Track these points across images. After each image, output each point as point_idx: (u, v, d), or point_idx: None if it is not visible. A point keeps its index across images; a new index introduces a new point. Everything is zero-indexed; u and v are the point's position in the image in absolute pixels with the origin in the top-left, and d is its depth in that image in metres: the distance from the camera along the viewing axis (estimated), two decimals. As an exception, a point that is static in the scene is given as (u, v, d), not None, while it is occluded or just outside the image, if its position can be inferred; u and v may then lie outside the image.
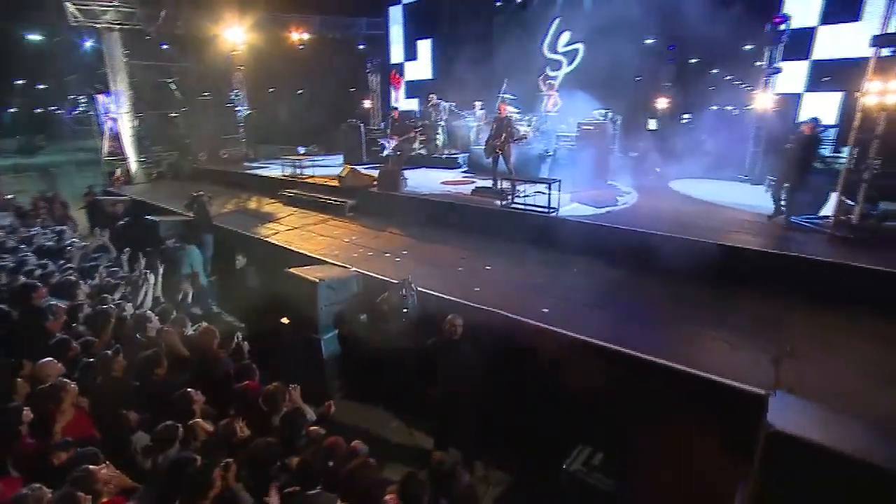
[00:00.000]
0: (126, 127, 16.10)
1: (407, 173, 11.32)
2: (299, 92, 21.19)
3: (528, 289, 5.54)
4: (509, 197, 7.84)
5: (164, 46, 16.27)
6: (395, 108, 13.53)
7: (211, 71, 15.91)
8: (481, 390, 4.30)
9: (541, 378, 4.40)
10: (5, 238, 7.88)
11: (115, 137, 16.45)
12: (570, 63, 15.09)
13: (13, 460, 3.29)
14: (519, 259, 6.57)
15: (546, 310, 4.89)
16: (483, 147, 9.40)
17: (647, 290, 5.48)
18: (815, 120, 6.50)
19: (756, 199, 7.67)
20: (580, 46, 14.81)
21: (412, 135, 11.04)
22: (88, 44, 16.14)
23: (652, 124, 14.37)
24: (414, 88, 19.57)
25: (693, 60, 14.63)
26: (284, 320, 5.79)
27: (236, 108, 15.20)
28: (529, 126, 11.29)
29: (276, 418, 3.48)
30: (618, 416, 3.89)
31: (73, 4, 14.03)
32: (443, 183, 10.22)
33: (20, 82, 32.60)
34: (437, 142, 13.09)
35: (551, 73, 12.69)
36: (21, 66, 26.51)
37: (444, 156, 12.94)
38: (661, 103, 14.14)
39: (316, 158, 14.44)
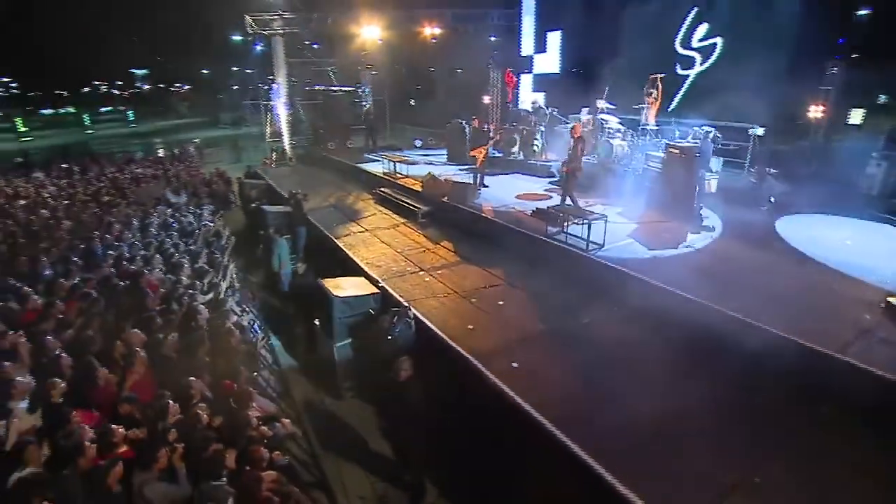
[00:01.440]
0: (283, 114, 19.17)
1: (494, 179, 11.64)
2: (418, 88, 22.35)
3: (521, 335, 5.57)
4: (563, 225, 7.64)
5: (315, 46, 18.69)
6: (475, 118, 13.61)
7: (346, 67, 17.88)
8: (432, 429, 4.65)
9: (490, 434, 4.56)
10: (168, 217, 10.45)
11: (276, 122, 19.74)
12: (704, 61, 13.40)
13: (92, 402, 4.76)
14: (539, 297, 6.50)
15: (515, 364, 4.95)
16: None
17: (668, 380, 4.64)
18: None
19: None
20: (719, 41, 12.98)
21: (488, 145, 11.06)
22: (259, 47, 19.39)
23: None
24: (541, 82, 19.21)
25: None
26: (316, 322, 6.80)
27: (362, 103, 16.91)
28: (624, 141, 10.45)
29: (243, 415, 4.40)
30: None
31: (251, 16, 17.00)
32: (517, 196, 10.22)
33: (235, 69, 41.04)
34: (535, 147, 12.91)
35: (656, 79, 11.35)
36: (230, 58, 33.19)
37: (539, 163, 12.74)
38: (815, 112, 11.61)
39: (429, 152, 15.44)
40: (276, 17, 17.21)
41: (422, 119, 21.30)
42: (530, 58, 19.17)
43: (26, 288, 6.35)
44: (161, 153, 28.35)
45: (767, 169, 9.63)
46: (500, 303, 6.39)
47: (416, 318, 5.77)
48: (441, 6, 18.77)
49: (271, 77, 19.94)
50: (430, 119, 20.34)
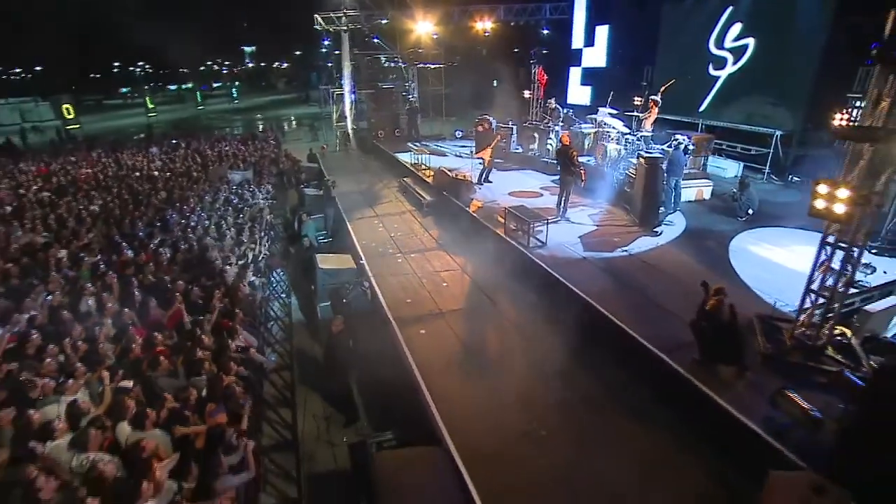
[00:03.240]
0: (347, 101, 21.69)
1: (506, 175, 13.06)
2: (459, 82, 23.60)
3: (441, 310, 7.25)
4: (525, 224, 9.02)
5: (375, 40, 20.78)
6: (483, 118, 14.66)
7: (398, 61, 19.82)
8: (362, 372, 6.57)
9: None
10: (229, 194, 13.26)
11: (342, 109, 22.35)
12: (735, 61, 13.42)
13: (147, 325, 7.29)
14: (476, 282, 8.10)
15: (423, 332, 6.68)
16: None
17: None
18: None
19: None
20: (751, 41, 12.94)
21: (494, 144, 12.37)
22: (326, 43, 21.91)
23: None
24: (589, 76, 19.73)
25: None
26: (312, 287, 8.97)
27: (409, 96, 18.78)
28: (619, 145, 11.28)
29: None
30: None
31: (320, 16, 19.45)
32: (510, 193, 11.59)
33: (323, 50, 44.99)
34: (549, 146, 13.95)
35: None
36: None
37: (551, 161, 13.80)
38: (839, 120, 11.37)
39: (466, 143, 17.03)
40: (341, 14, 19.49)
41: (470, 110, 22.72)
42: (580, 51, 19.71)
43: (123, 243, 9.21)
44: (261, 127, 32.74)
45: (747, 178, 10.04)
46: (444, 284, 8.09)
47: (370, 288, 7.66)
48: (494, 1, 19.85)
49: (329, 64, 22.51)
50: (479, 111, 21.70)
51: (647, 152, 9.46)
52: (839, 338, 5.26)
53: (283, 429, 6.81)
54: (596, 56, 19.03)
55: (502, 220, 9.18)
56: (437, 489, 4.22)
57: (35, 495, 3.75)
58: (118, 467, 4.19)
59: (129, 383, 5.47)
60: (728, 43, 13.59)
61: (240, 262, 9.07)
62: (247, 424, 5.22)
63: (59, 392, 5.28)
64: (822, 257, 5.13)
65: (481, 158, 12.15)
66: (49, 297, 7.36)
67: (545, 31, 20.85)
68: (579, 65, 19.85)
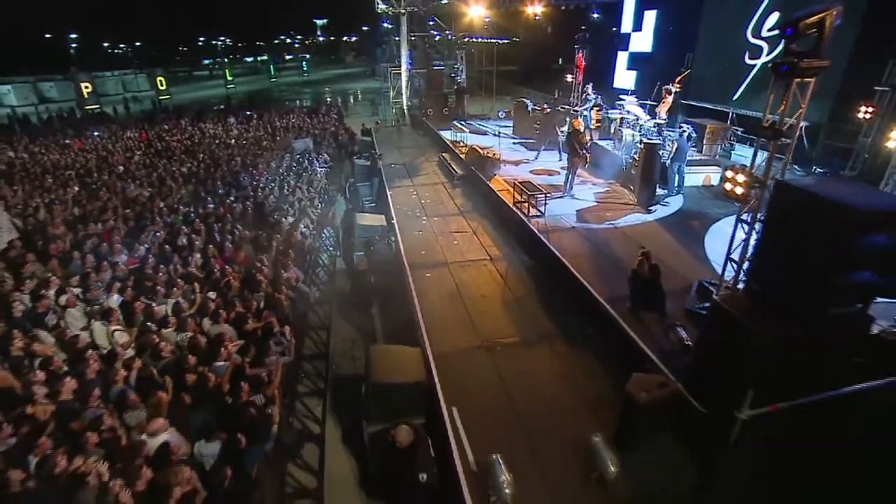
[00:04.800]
0: (404, 80, 23.59)
1: (528, 154, 14.53)
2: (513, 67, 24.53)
3: (447, 262, 9.07)
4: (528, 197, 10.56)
5: (431, 22, 22.37)
6: (520, 101, 15.85)
7: (451, 43, 21.34)
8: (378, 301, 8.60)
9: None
10: (291, 162, 15.68)
11: (399, 86, 24.27)
12: (771, 51, 13.81)
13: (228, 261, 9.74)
14: (482, 242, 9.84)
15: (429, 275, 8.55)
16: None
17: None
18: None
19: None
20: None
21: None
22: (385, 25, 23.74)
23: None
24: (634, 61, 20.31)
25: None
26: (352, 241, 11.09)
27: (458, 77, 20.34)
28: (634, 131, 12.35)
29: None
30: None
31: (380, 1, 21.31)
32: (531, 171, 13.06)
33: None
34: (560, 130, 15.08)
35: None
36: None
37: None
38: (864, 113, 11.74)
39: (508, 123, 18.51)
40: (400, -2, 21.24)
41: (518, 92, 23.90)
42: (627, 36, 20.26)
43: (208, 198, 11.77)
44: (328, 100, 35.56)
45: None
46: (455, 242, 9.89)
47: (395, 241, 9.62)
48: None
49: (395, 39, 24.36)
50: (529, 92, 22.89)
51: (648, 138, 10.62)
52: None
53: (320, 345, 9.07)
54: (643, 41, 19.55)
55: (511, 193, 10.78)
56: (414, 374, 6.13)
57: (158, 353, 6.13)
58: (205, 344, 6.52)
59: (212, 294, 7.83)
60: (765, 32, 13.97)
61: (294, 217, 11.36)
62: (290, 331, 7.38)
63: (166, 297, 7.75)
64: (739, 232, 6.40)
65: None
66: (157, 235, 10.00)
67: (595, 15, 21.43)
68: (627, 49, 20.41)
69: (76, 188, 13.20)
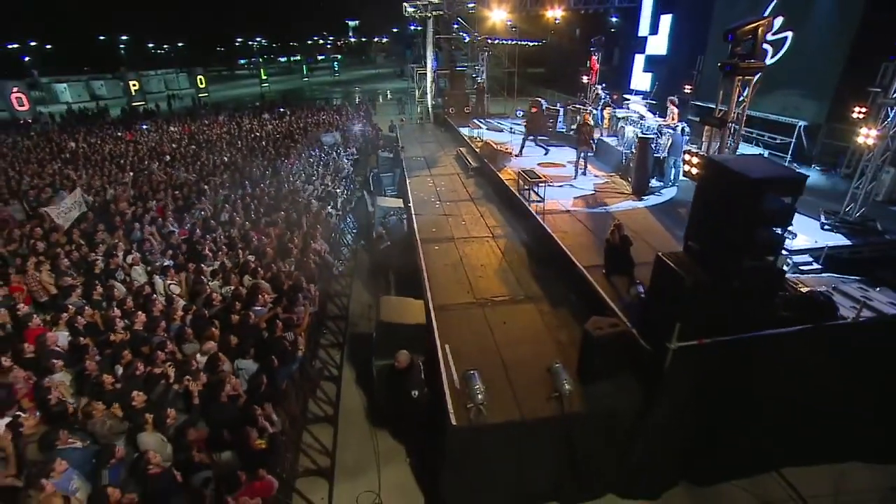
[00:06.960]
0: (429, 80, 25.10)
1: (538, 150, 15.78)
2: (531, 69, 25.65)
3: (453, 237, 10.40)
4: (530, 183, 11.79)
5: (455, 25, 23.79)
6: (535, 100, 17.04)
7: (474, 46, 22.74)
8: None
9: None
10: (320, 155, 17.33)
11: (424, 86, 25.80)
12: (774, 54, 14.68)
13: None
14: (486, 221, 11.15)
15: (437, 247, 9.91)
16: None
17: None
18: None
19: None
20: (790, 34, 14.18)
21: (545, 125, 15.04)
22: (413, 28, 25.28)
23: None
24: (650, 63, 21.29)
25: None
26: (373, 221, 12.56)
27: (478, 78, 21.70)
28: (636, 128, 13.42)
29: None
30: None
31: (408, 5, 22.87)
32: (539, 164, 14.27)
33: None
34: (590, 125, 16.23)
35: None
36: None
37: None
38: (857, 113, 12.51)
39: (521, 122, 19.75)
40: (427, 3, 22.73)
41: (542, 93, 25.08)
42: (644, 39, 21.26)
43: (246, 182, 13.47)
44: (357, 99, 37.53)
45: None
46: (463, 223, 11.23)
47: (408, 220, 11.03)
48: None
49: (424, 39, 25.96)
50: (547, 92, 24.05)
51: (643, 134, 11.73)
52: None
53: (342, 308, 10.57)
54: (658, 44, 20.55)
55: (516, 181, 12.06)
56: (416, 318, 7.49)
57: (210, 301, 7.78)
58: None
59: (252, 257, 9.41)
60: (770, 35, 14.83)
61: (322, 200, 12.93)
62: (315, 288, 8.85)
63: (214, 259, 9.37)
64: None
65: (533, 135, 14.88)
66: (202, 212, 11.70)
67: (614, 19, 22.44)
68: (643, 52, 21.39)
69: (131, 173, 15.17)
